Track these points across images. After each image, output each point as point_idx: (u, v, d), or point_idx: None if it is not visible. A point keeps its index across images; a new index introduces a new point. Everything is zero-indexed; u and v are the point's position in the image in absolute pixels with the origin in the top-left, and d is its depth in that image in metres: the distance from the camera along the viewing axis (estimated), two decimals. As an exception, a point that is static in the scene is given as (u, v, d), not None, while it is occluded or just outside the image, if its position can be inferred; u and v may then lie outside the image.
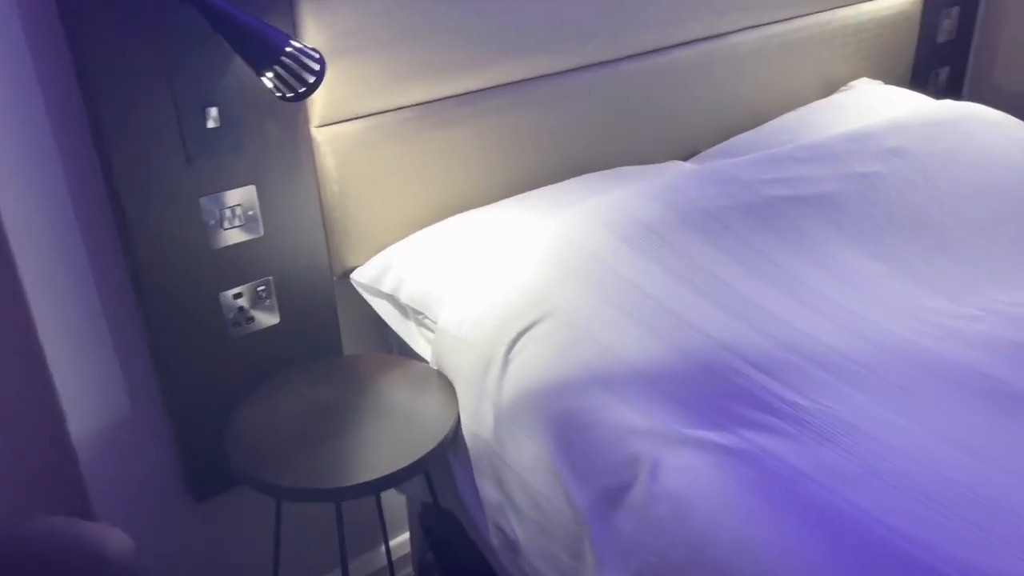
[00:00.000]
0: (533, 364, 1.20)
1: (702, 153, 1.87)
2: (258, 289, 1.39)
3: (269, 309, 1.42)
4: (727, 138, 1.91)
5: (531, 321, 1.24)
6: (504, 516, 1.21)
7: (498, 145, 1.60)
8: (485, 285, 1.34)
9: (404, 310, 1.49)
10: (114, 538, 1.14)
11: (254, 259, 1.37)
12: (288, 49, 1.10)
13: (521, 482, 1.17)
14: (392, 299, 1.48)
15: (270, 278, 1.40)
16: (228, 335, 1.38)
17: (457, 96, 1.53)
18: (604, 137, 1.75)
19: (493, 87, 1.57)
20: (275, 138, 1.32)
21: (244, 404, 1.34)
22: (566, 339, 1.20)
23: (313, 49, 1.14)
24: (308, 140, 1.36)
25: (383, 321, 1.52)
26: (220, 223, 1.31)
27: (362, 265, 1.51)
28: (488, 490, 1.24)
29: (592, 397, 1.13)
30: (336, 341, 1.53)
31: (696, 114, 1.90)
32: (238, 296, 1.37)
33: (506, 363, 1.23)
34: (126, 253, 1.29)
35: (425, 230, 1.52)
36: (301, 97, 1.14)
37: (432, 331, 1.43)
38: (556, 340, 1.21)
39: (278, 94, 1.14)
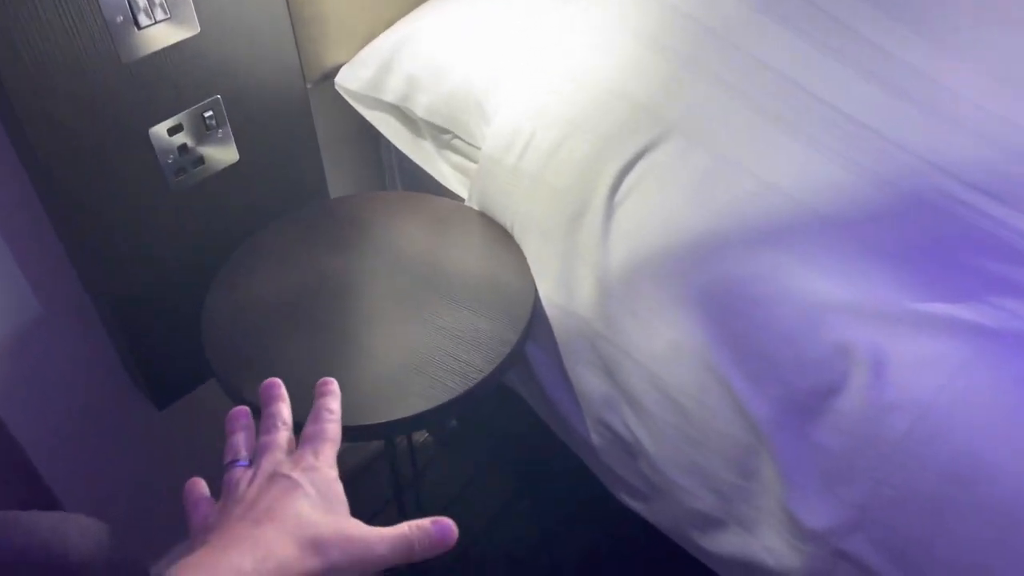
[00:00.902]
0: (654, 211, 0.83)
1: None
2: (204, 116, 0.92)
3: (223, 142, 0.95)
4: None
5: (642, 146, 0.84)
6: (615, 412, 0.90)
7: None
8: (552, 86, 0.91)
9: (417, 126, 1.05)
10: (77, 532, 0.77)
11: (192, 71, 0.88)
12: None
13: (649, 376, 0.84)
14: (399, 111, 1.04)
15: (218, 97, 0.92)
16: (169, 188, 0.93)
17: None
18: None
19: None
20: None
21: (216, 286, 0.92)
22: (702, 171, 0.82)
23: None
24: None
25: (381, 143, 1.09)
26: (132, 19, 0.81)
27: (348, 63, 1.03)
28: (588, 380, 0.91)
29: (760, 259, 0.78)
30: (320, 179, 1.09)
31: None
32: (176, 130, 0.90)
33: (610, 210, 0.85)
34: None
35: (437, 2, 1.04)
36: None
37: (467, 157, 1.01)
38: (686, 174, 0.82)
39: None
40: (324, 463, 0.53)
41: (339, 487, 0.52)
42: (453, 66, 0.98)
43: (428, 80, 0.98)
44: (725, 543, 0.86)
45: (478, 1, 1.02)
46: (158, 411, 1.08)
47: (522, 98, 0.93)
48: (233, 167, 0.98)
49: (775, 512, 0.79)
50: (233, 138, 0.96)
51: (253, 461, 0.54)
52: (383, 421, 0.79)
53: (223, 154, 0.96)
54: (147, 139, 0.88)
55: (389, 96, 1.01)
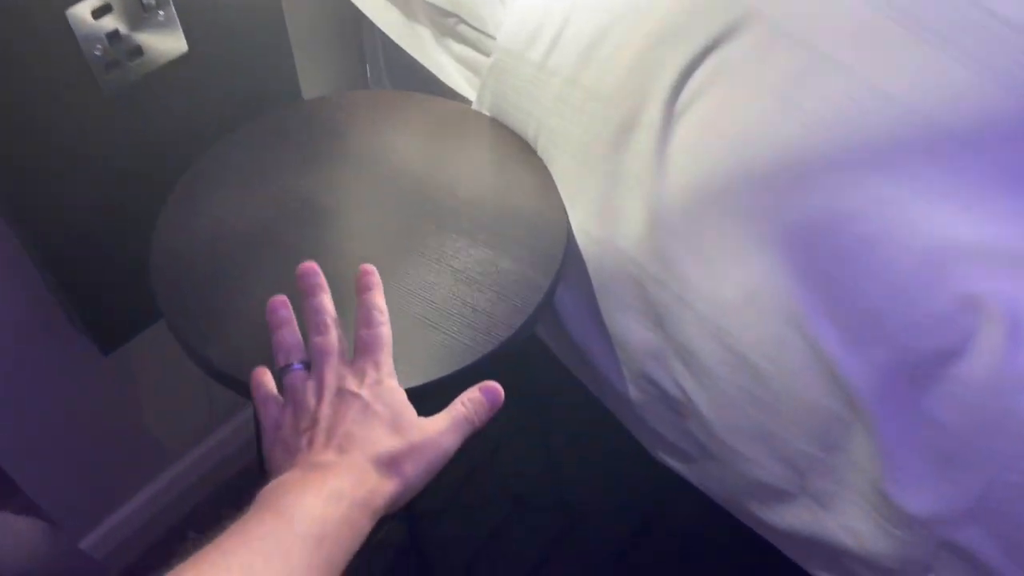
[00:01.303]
0: (726, 124, 0.65)
1: None
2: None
3: (165, 27, 0.74)
4: None
5: (712, 37, 0.66)
6: (662, 365, 0.75)
7: None
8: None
9: (412, 8, 0.84)
10: (10, 540, 0.61)
11: (119, -69, 0.67)
12: None
13: (712, 328, 0.69)
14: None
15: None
16: (100, 88, 0.72)
17: None
18: None
19: None
20: None
21: (166, 212, 0.73)
22: (791, 72, 0.64)
23: None
24: None
25: (363, 30, 0.88)
26: None
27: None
28: (630, 328, 0.75)
29: (866, 189, 0.62)
30: (290, 75, 0.88)
31: None
32: (103, 12, 0.69)
33: (668, 122, 0.67)
34: None
35: None
36: None
37: (476, 47, 0.81)
38: (771, 74, 0.64)
39: None
40: (386, 374, 0.54)
41: (403, 396, 0.53)
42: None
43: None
44: (791, 517, 0.73)
45: None
46: (103, 356, 0.91)
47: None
48: (181, 60, 0.77)
49: (864, 491, 0.66)
50: (179, 22, 0.75)
51: (309, 365, 0.54)
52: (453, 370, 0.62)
53: (167, 43, 0.75)
54: (66, 23, 0.67)
55: (378, -30, 0.80)
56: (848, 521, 0.68)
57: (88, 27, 0.69)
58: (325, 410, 0.51)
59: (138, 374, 1.03)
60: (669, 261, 0.69)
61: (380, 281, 0.58)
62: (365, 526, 0.46)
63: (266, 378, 0.56)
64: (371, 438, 0.49)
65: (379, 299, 0.57)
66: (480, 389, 0.54)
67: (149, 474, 1.19)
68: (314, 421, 0.51)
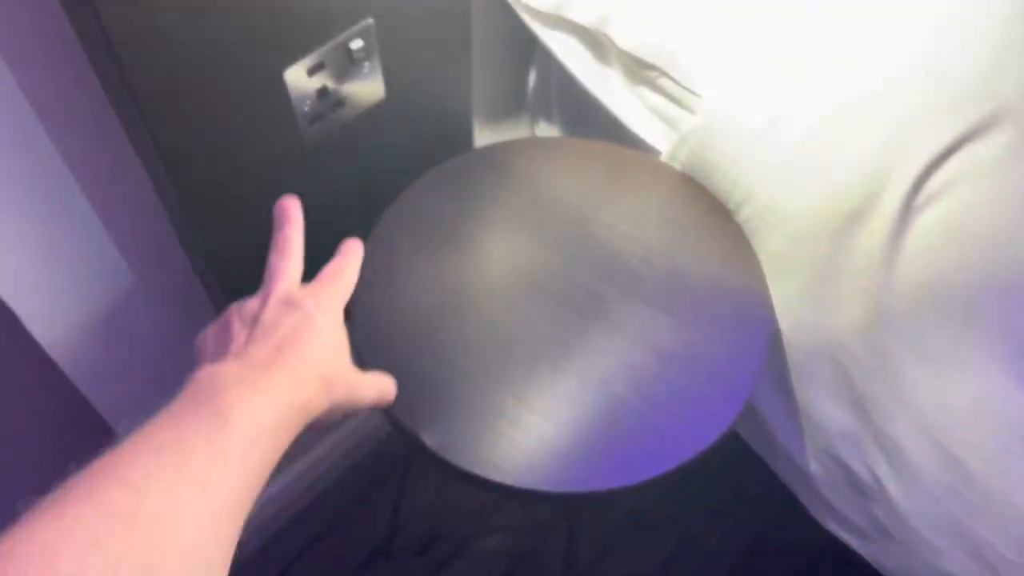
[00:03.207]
0: (972, 226, 0.62)
1: None
2: (350, 48, 0.68)
3: (368, 77, 0.72)
4: None
5: (959, 133, 0.62)
6: (854, 448, 0.73)
7: None
8: (828, 36, 0.68)
9: (604, 52, 0.81)
10: None
11: (342, -11, 0.64)
12: None
13: (926, 428, 0.67)
14: (585, 33, 0.79)
15: (371, 21, 0.68)
16: (302, 141, 0.71)
17: None
18: None
19: None
20: None
21: (366, 285, 0.72)
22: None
23: None
24: None
25: (535, 68, 0.85)
26: (276, -77, 0.56)
27: (526, -31, 0.78)
28: (824, 408, 0.74)
29: None
30: (467, 113, 0.86)
31: None
32: (316, 69, 0.67)
33: (905, 217, 0.64)
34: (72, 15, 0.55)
35: None
36: None
37: (673, 100, 0.78)
38: (1021, 181, 0.61)
39: None
40: (337, 303, 0.53)
41: (345, 332, 0.52)
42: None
43: (638, 3, 0.74)
44: (977, 610, 0.73)
45: None
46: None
47: (775, 46, 0.69)
48: (375, 106, 0.75)
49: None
50: (381, 70, 0.73)
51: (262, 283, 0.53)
52: (566, 491, 0.61)
53: (367, 91, 0.73)
54: (281, 83, 0.65)
55: (580, 16, 0.76)
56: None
57: (302, 85, 0.67)
58: (269, 312, 0.50)
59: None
60: (888, 357, 0.67)
61: (361, 252, 0.62)
62: (297, 430, 0.45)
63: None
64: (310, 351, 0.48)
65: (357, 261, 0.61)
66: (391, 383, 0.58)
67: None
68: (255, 320, 0.49)
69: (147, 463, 0.36)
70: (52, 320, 0.70)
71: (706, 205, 0.76)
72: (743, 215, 0.74)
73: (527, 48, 0.86)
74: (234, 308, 0.51)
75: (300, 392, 0.45)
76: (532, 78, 0.95)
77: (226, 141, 0.65)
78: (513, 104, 1.03)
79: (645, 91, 0.80)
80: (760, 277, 0.72)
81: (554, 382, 0.66)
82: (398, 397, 0.62)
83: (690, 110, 0.76)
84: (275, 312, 0.49)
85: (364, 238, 0.72)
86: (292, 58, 0.65)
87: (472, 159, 0.81)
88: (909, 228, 0.64)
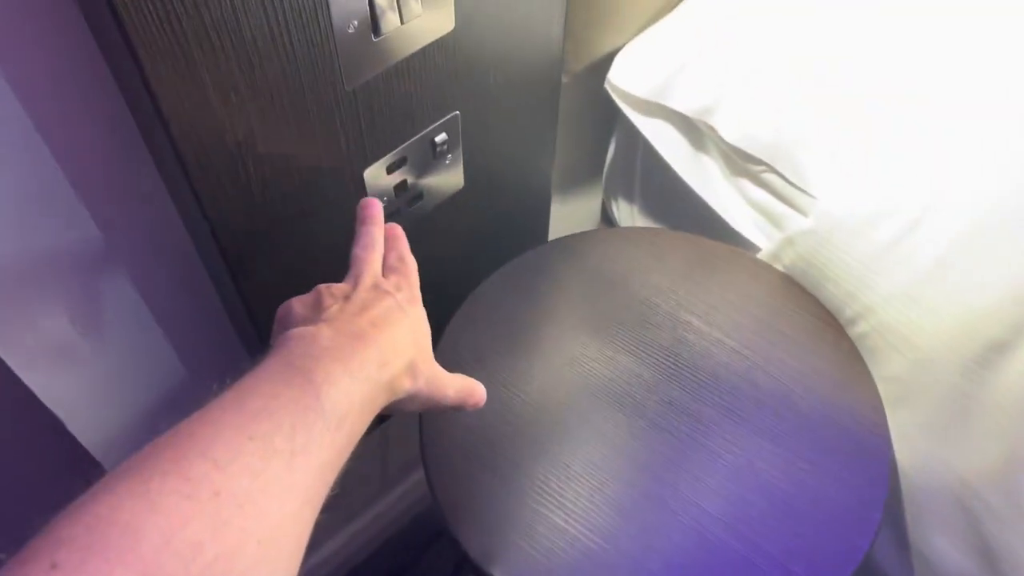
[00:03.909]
0: None
1: None
2: (434, 141, 0.62)
3: (449, 168, 0.66)
4: None
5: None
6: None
7: None
8: (964, 143, 0.60)
9: (701, 139, 0.74)
10: None
11: (432, 84, 0.58)
12: None
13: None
14: (682, 119, 0.73)
15: (456, 114, 0.62)
16: (375, 236, 0.65)
17: None
18: None
19: None
20: None
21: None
22: None
23: None
24: None
25: (615, 153, 0.78)
26: (370, 25, 0.50)
27: (623, 54, 0.71)
28: (946, 552, 0.66)
29: None
30: (545, 201, 0.80)
31: None
32: (397, 166, 0.61)
33: (1054, 355, 0.56)
34: (136, 109, 0.50)
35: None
36: None
37: (778, 195, 0.71)
38: None
39: None
40: (418, 295, 0.51)
41: (427, 324, 0.50)
42: (795, 72, 0.66)
43: (748, 92, 0.67)
44: None
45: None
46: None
47: (904, 152, 0.62)
48: (453, 196, 0.69)
49: None
50: (462, 161, 0.67)
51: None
52: None
53: (447, 182, 0.67)
54: (359, 181, 0.59)
55: (682, 106, 0.70)
56: None
57: (380, 183, 0.61)
58: (361, 294, 0.47)
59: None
60: (1020, 500, 0.59)
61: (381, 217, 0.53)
62: (379, 408, 0.44)
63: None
64: (400, 334, 0.46)
65: (403, 239, 0.54)
66: (476, 386, 0.52)
67: (322, 537, 1.16)
68: (347, 299, 0.47)
69: (233, 437, 0.35)
70: (99, 427, 0.65)
71: (814, 314, 0.69)
72: (858, 330, 0.67)
73: (607, 118, 0.79)
74: (323, 287, 0.48)
75: (388, 370, 0.44)
76: (612, 152, 0.88)
77: (295, 244, 0.59)
78: (588, 174, 0.97)
79: (747, 184, 0.73)
80: (878, 404, 0.65)
81: (641, 516, 0.59)
82: (455, 508, 0.56)
83: (799, 209, 0.69)
84: (367, 295, 0.47)
85: (436, 339, 0.66)
86: (374, 157, 0.59)
87: (549, 252, 0.74)
88: (1057, 370, 0.56)
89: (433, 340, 0.59)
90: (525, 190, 0.76)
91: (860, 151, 0.65)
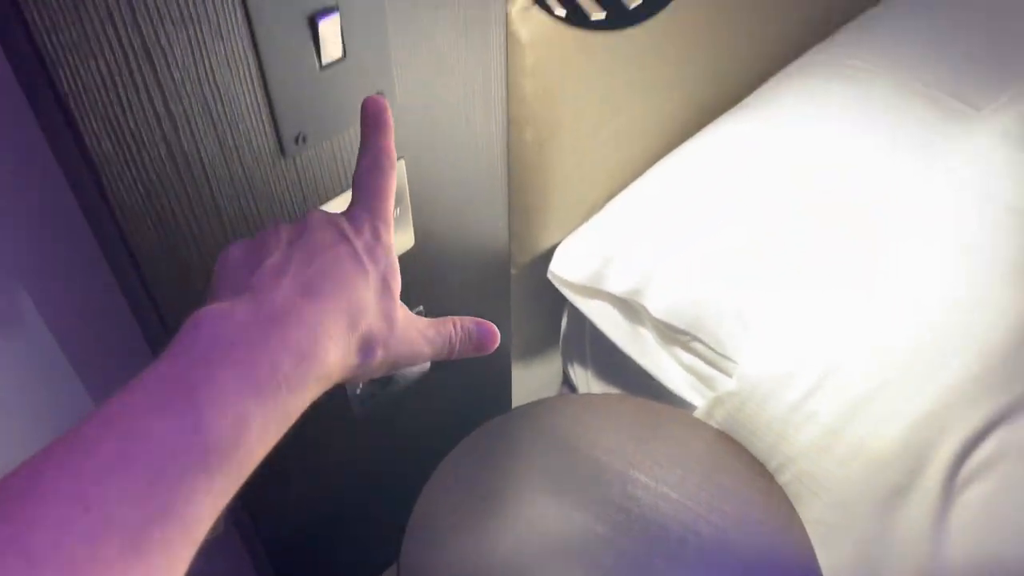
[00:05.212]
0: (1011, 511, 0.63)
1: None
2: (402, 334, 0.73)
3: (416, 355, 0.76)
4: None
5: (995, 412, 0.65)
6: None
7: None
8: (855, 309, 0.72)
9: (637, 314, 0.85)
10: None
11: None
12: None
13: None
14: (621, 301, 0.84)
15: (421, 308, 0.73)
16: (354, 417, 0.74)
17: None
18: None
19: None
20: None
21: (408, 546, 0.73)
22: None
23: None
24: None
25: (567, 329, 0.89)
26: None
27: (562, 247, 0.84)
28: None
29: None
30: (506, 374, 0.90)
31: None
32: (371, 357, 0.71)
33: (948, 494, 0.65)
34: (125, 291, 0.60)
35: (681, 172, 0.84)
36: (629, 20, 0.41)
37: (707, 361, 0.81)
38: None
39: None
40: (384, 231, 0.41)
41: (395, 261, 0.41)
42: (704, 259, 0.78)
43: (668, 275, 0.79)
44: None
45: (740, 179, 0.82)
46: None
47: (807, 317, 0.73)
48: (420, 379, 0.79)
49: None
50: (427, 347, 0.77)
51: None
52: None
53: (414, 368, 0.77)
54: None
55: (615, 289, 0.81)
56: None
57: (356, 373, 0.70)
58: (309, 236, 0.39)
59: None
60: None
61: (391, 122, 0.44)
62: (300, 409, 0.35)
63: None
64: (351, 294, 0.37)
65: (389, 141, 0.43)
66: (477, 323, 0.44)
67: None
68: (291, 243, 0.39)
69: (62, 510, 0.27)
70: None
71: (747, 465, 0.78)
72: (784, 478, 0.75)
73: (559, 297, 0.90)
74: (276, 223, 0.41)
75: (314, 363, 0.35)
76: (564, 326, 0.99)
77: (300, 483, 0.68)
78: (548, 345, 1.07)
79: (679, 351, 0.83)
80: (808, 546, 0.72)
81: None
82: None
83: (725, 372, 0.79)
84: (318, 237, 0.39)
85: (408, 507, 0.73)
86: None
87: (510, 420, 0.83)
88: (953, 505, 0.65)
89: (405, 511, 0.65)
90: (487, 367, 0.86)
91: (771, 320, 0.76)
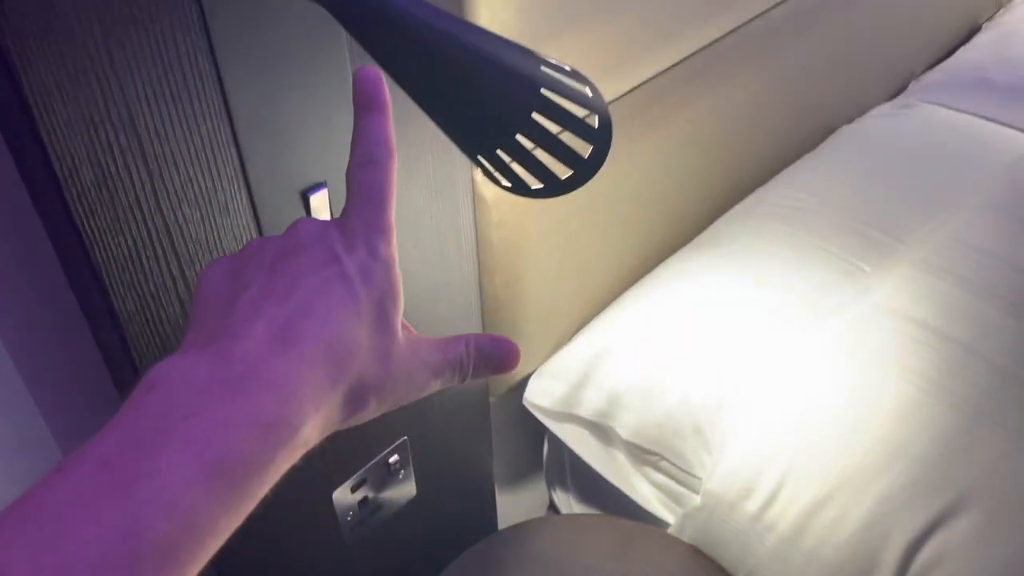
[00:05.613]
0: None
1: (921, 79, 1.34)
2: (389, 462, 0.79)
3: (403, 483, 0.82)
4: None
5: (932, 516, 0.70)
6: None
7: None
8: (801, 425, 0.79)
9: (609, 436, 0.92)
10: None
11: (382, 421, 0.76)
12: (545, 91, 0.46)
13: None
14: (591, 424, 0.91)
15: (406, 438, 0.80)
16: (344, 543, 0.79)
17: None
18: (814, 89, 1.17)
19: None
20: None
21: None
22: (1013, 568, 0.68)
23: (577, 75, 0.50)
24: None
25: (547, 450, 0.96)
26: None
27: (536, 375, 0.91)
28: None
29: None
30: (490, 495, 0.96)
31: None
32: (360, 485, 0.77)
33: (899, 592, 0.70)
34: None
35: (641, 305, 0.93)
36: (564, 189, 0.51)
37: (676, 480, 0.87)
38: (994, 566, 0.68)
39: (506, 184, 0.51)
40: (382, 242, 0.35)
41: (398, 280, 0.35)
42: (664, 383, 0.85)
43: (634, 398, 0.86)
44: None
45: (694, 310, 0.91)
46: None
47: (760, 433, 0.80)
48: (408, 504, 0.84)
49: None
50: (414, 473, 0.83)
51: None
52: None
53: (401, 493, 0.83)
54: (330, 503, 0.75)
55: (586, 413, 0.88)
56: None
57: (346, 501, 0.76)
58: (290, 258, 0.33)
59: None
60: None
61: (388, 101, 0.37)
62: (265, 489, 0.30)
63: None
64: (337, 333, 0.32)
65: (386, 124, 0.37)
66: (492, 340, 0.38)
67: None
68: (273, 269, 0.33)
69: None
70: None
71: (716, 578, 0.82)
72: (753, 588, 0.80)
73: (538, 423, 0.97)
74: (257, 242, 0.35)
75: (288, 425, 0.30)
76: (546, 449, 1.05)
77: (276, 540, 0.73)
78: (531, 468, 1.13)
79: (649, 471, 0.89)
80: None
81: None
82: None
83: (692, 489, 0.85)
84: (304, 262, 0.33)
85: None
86: (340, 479, 0.75)
87: (494, 544, 0.88)
88: (905, 607, 0.69)
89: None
90: (471, 490, 0.92)
91: (727, 436, 0.82)
